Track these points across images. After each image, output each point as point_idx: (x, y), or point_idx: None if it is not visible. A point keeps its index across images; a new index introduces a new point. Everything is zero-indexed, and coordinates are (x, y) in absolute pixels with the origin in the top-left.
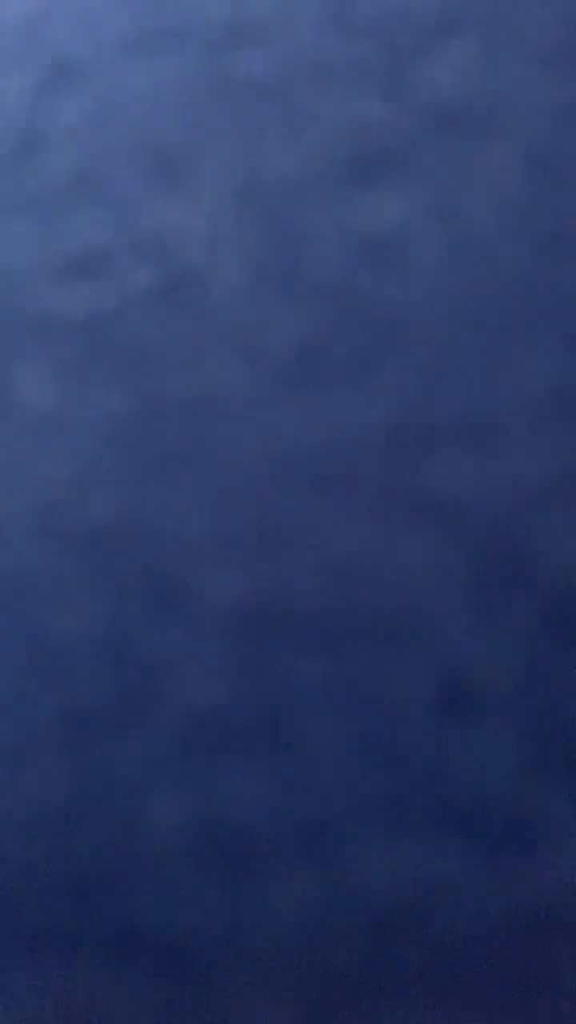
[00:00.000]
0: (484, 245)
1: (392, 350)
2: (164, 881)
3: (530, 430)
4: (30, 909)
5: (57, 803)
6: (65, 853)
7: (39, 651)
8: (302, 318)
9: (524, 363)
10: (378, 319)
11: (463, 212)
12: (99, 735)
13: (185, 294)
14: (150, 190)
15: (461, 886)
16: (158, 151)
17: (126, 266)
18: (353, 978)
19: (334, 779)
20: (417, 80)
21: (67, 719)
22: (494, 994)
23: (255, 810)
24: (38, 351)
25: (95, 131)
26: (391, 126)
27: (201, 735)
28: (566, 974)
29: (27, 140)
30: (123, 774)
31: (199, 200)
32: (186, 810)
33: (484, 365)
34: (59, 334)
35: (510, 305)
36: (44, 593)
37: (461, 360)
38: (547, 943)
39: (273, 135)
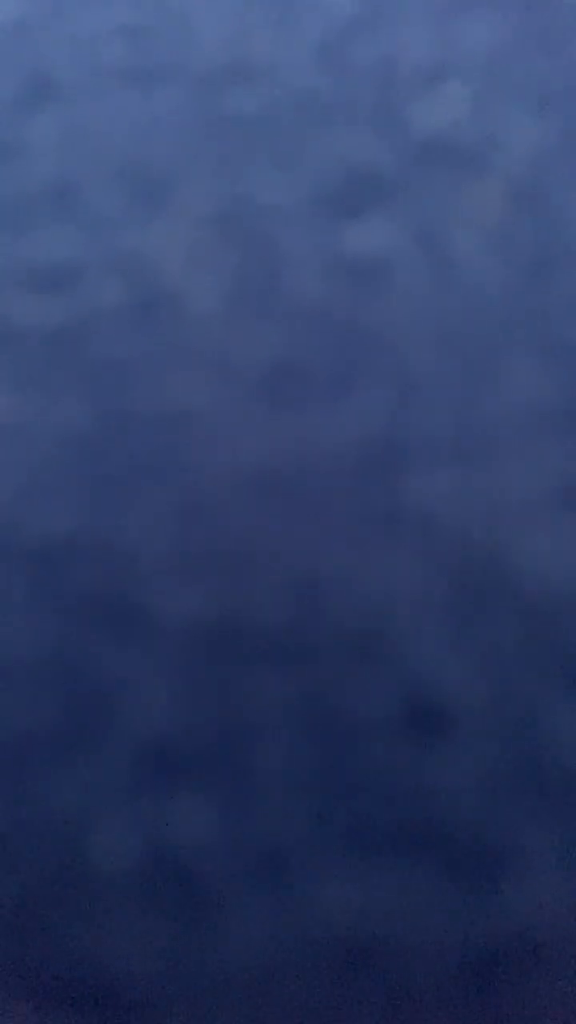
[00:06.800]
0: (465, 272)
1: (369, 371)
2: (109, 920)
3: (506, 449)
4: None
5: None
6: (1, 889)
7: None
8: (278, 339)
9: (501, 383)
10: (355, 341)
11: (445, 242)
12: (42, 763)
13: (157, 313)
14: (127, 211)
15: (428, 917)
16: (139, 174)
17: (96, 282)
18: (313, 1018)
19: (294, 807)
20: (407, 119)
21: (6, 746)
22: None
23: (209, 841)
24: None
25: (74, 149)
26: (378, 161)
27: (153, 762)
28: (540, 1006)
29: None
30: (66, 804)
31: (177, 223)
32: (134, 843)
33: (461, 385)
34: (20, 345)
35: (488, 328)
36: None
37: (438, 380)
38: (520, 974)
39: (259, 165)
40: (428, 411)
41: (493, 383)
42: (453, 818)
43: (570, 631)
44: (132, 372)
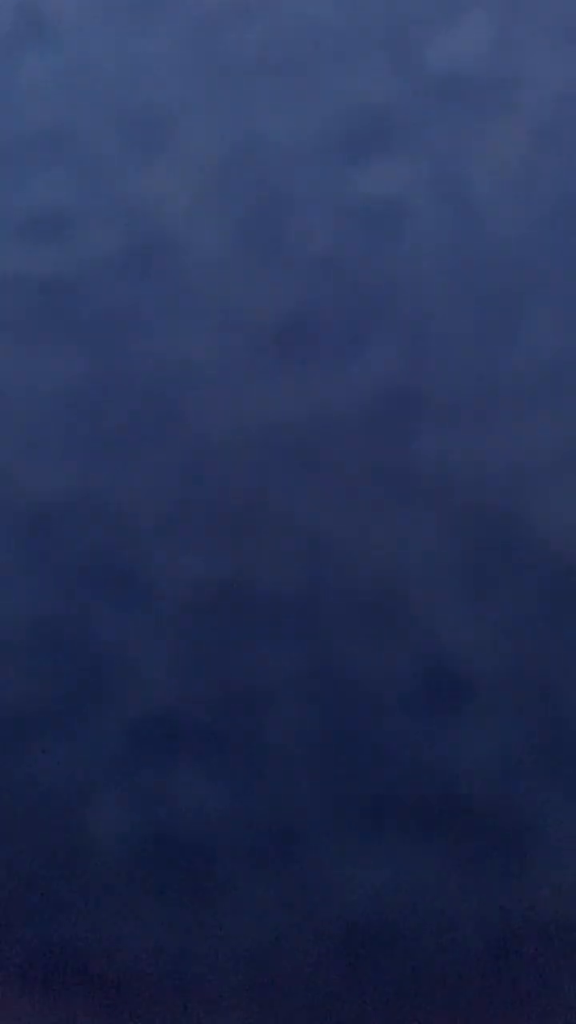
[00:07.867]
0: (484, 217)
1: (382, 322)
2: (106, 901)
3: (525, 404)
4: None
5: None
6: None
7: None
8: (286, 289)
9: (520, 336)
10: (368, 291)
11: (464, 185)
12: (36, 735)
13: (158, 260)
14: (125, 154)
15: (445, 898)
16: (137, 115)
17: (94, 229)
18: (322, 1005)
19: (304, 781)
20: (424, 55)
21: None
22: (482, 1016)
23: (213, 818)
24: None
25: (68, 89)
26: (394, 98)
27: (153, 734)
28: (562, 990)
29: None
30: (62, 778)
31: (179, 166)
32: (134, 819)
33: (479, 337)
34: (13, 296)
35: (509, 277)
36: None
37: (455, 332)
38: (541, 958)
39: (267, 104)
40: (444, 365)
41: (513, 335)
42: (470, 793)
43: None
44: (132, 324)
